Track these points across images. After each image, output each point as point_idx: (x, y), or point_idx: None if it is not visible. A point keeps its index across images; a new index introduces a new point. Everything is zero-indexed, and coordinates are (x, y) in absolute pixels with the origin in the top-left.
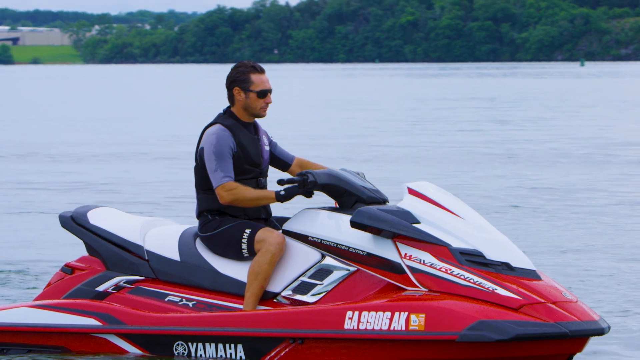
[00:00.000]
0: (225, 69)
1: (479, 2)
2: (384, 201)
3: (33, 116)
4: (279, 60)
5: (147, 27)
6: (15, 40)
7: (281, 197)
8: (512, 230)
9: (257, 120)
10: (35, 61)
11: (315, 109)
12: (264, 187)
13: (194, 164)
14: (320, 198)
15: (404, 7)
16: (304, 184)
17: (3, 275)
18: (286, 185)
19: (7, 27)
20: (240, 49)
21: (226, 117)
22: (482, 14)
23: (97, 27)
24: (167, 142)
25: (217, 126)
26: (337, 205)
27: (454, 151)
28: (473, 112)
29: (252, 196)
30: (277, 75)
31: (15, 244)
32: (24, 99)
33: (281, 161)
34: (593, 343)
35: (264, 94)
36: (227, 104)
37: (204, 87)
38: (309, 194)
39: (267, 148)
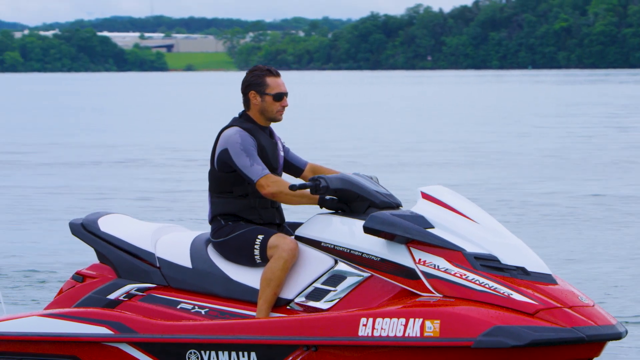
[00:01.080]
0: (379, 75)
1: (633, 8)
2: (397, 206)
3: (186, 121)
4: (432, 66)
5: (301, 33)
6: (169, 47)
7: (322, 200)
8: None
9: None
10: (189, 68)
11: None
12: None
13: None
14: None
15: (557, 14)
16: (317, 188)
17: None
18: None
19: (161, 34)
20: (394, 55)
21: (243, 121)
22: (636, 20)
23: (251, 34)
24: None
25: (236, 128)
26: (350, 210)
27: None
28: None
29: (296, 192)
30: (430, 82)
31: None
32: (177, 105)
33: (294, 167)
34: (610, 347)
35: (280, 96)
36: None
37: (354, 94)
38: (324, 203)
39: (282, 154)
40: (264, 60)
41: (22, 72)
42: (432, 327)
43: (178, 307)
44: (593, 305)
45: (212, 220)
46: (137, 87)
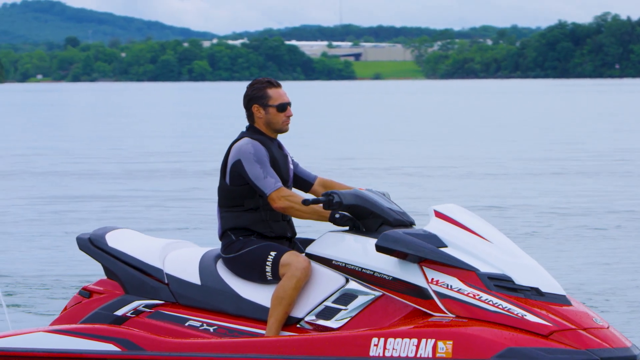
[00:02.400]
0: (567, 84)
1: None
2: (410, 224)
3: (373, 130)
4: (620, 75)
5: (489, 42)
6: (357, 56)
7: (334, 219)
8: None
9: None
10: (377, 77)
11: None
12: None
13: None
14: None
15: None
16: (330, 204)
17: None
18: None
19: (349, 43)
20: (581, 63)
21: (252, 133)
22: None
23: (438, 42)
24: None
25: (248, 139)
26: (362, 227)
27: None
28: None
29: (307, 208)
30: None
31: None
32: (366, 114)
33: (303, 181)
34: None
35: (284, 107)
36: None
37: (542, 104)
38: (335, 220)
39: (292, 167)
40: (450, 68)
41: (210, 81)
42: (445, 348)
43: (186, 324)
44: (607, 327)
45: (223, 235)
46: (324, 96)
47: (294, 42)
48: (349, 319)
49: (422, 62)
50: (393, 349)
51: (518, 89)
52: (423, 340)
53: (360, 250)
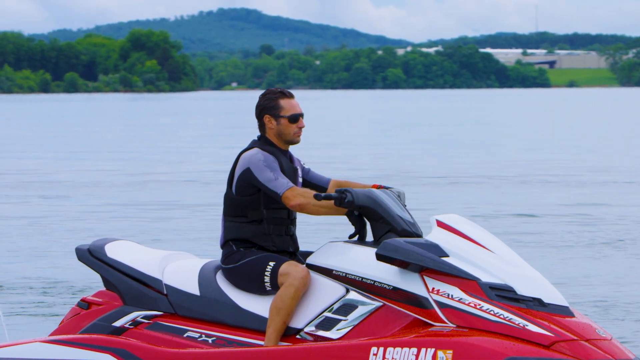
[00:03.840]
0: None
1: None
2: (417, 235)
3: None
4: None
5: None
6: (552, 64)
7: (349, 212)
8: None
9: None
10: (571, 84)
11: None
12: (294, 218)
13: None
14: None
15: None
16: (341, 201)
17: None
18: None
19: (544, 51)
20: None
21: (263, 143)
22: None
23: (633, 50)
24: None
25: (257, 149)
26: (371, 230)
27: None
28: None
29: (322, 203)
30: None
31: None
32: (561, 122)
33: (316, 186)
34: None
35: (296, 118)
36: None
37: None
38: (351, 215)
39: (300, 180)
40: None
41: (404, 89)
42: (445, 358)
43: (185, 335)
44: (611, 339)
45: (224, 244)
46: (518, 104)
47: (488, 50)
48: (349, 329)
49: (617, 70)
50: (392, 358)
51: None
52: (423, 350)
53: (361, 260)
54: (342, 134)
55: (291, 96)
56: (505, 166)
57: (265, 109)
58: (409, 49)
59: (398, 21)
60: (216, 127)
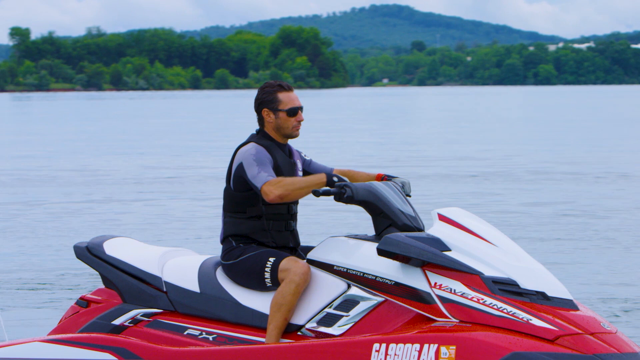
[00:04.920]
0: None
1: None
2: (419, 230)
3: None
4: None
5: None
6: None
7: (332, 182)
8: None
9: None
10: None
11: None
12: (294, 213)
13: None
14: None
15: None
16: (340, 197)
17: None
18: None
19: None
20: None
21: (260, 137)
22: None
23: None
24: None
25: (253, 144)
26: (373, 224)
27: None
28: None
29: (301, 183)
30: None
31: None
32: None
33: None
34: None
35: (294, 111)
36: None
37: None
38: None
39: (300, 173)
40: None
41: (556, 85)
42: (448, 353)
43: (185, 333)
44: (616, 332)
45: (223, 240)
46: None
47: None
48: (351, 325)
49: None
50: (395, 354)
51: None
52: (425, 346)
53: (362, 255)
54: (497, 132)
55: (290, 89)
56: None
57: (264, 103)
58: (560, 45)
59: (550, 17)
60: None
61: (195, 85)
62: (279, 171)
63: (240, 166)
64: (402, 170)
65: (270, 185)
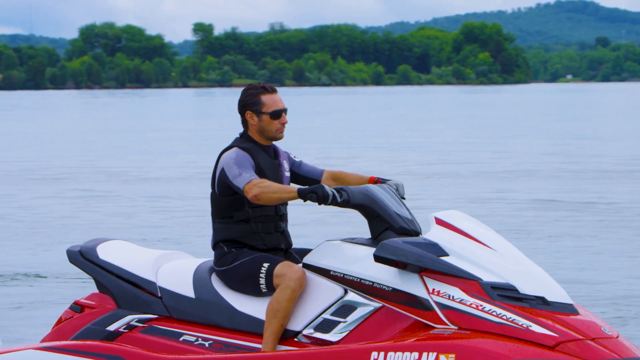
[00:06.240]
0: None
1: None
2: (416, 233)
3: None
4: None
5: None
6: None
7: (304, 196)
8: None
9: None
10: None
11: None
12: (283, 214)
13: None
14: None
15: None
16: (335, 200)
17: None
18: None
19: None
20: None
21: (244, 140)
22: None
23: None
24: None
25: (235, 148)
26: (369, 227)
27: None
28: None
29: (275, 189)
30: None
31: None
32: None
33: (309, 180)
34: None
35: (278, 114)
36: None
37: None
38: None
39: (287, 174)
40: None
41: None
42: None
43: (181, 339)
44: (617, 337)
45: (215, 246)
46: None
47: None
48: (348, 331)
49: None
50: None
51: None
52: (424, 354)
53: (359, 260)
54: None
55: (274, 91)
56: None
57: (247, 105)
58: None
59: None
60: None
61: (377, 81)
62: (262, 173)
63: (222, 171)
64: None
65: (251, 184)
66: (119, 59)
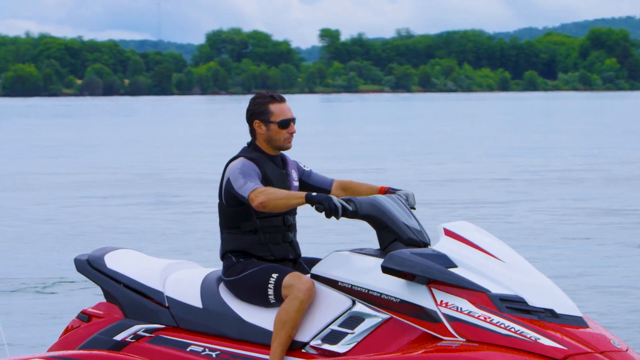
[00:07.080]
0: None
1: None
2: (425, 244)
3: None
4: None
5: None
6: None
7: (312, 202)
8: None
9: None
10: None
11: None
12: (292, 225)
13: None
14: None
15: None
16: (345, 212)
17: None
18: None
19: None
20: None
21: (251, 150)
22: None
23: None
24: None
25: (241, 158)
26: (377, 238)
27: None
28: None
29: (281, 195)
30: None
31: None
32: None
33: (320, 189)
34: None
35: (286, 123)
36: None
37: None
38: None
39: (295, 184)
40: None
41: None
42: None
43: (188, 349)
44: (627, 350)
45: (223, 256)
46: None
47: None
48: (355, 343)
49: None
50: None
51: None
52: None
53: (367, 271)
54: None
55: (282, 100)
56: None
57: (255, 114)
58: None
59: None
60: None
61: (504, 87)
62: (269, 183)
63: (228, 182)
64: None
65: (255, 193)
66: (246, 65)
